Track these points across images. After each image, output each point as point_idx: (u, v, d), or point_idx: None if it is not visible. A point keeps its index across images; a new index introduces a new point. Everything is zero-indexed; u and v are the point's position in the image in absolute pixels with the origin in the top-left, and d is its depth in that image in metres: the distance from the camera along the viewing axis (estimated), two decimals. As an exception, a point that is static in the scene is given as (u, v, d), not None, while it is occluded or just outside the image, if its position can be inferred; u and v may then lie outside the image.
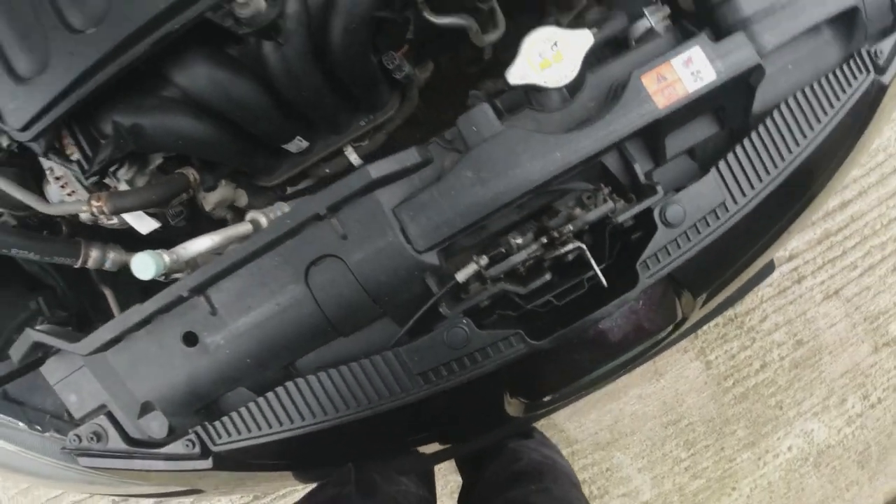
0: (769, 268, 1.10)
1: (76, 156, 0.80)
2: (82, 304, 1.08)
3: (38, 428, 0.93)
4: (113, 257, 0.93)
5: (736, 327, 1.73)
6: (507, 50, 1.02)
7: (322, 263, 0.72)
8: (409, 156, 0.70)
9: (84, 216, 0.91)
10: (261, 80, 0.78)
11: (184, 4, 0.67)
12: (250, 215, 0.77)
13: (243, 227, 0.76)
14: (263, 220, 0.77)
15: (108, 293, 1.05)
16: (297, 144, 0.91)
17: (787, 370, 1.74)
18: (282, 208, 0.80)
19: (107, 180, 0.88)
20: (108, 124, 0.77)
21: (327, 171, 1.00)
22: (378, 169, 0.68)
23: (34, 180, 1.04)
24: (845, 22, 0.81)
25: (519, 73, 0.69)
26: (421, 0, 0.80)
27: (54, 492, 2.29)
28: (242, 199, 0.97)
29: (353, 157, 0.98)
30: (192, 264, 0.76)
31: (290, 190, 1.02)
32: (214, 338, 0.76)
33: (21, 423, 0.93)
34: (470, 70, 1.12)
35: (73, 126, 0.77)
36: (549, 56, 0.69)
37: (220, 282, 0.73)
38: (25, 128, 0.74)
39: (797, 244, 1.73)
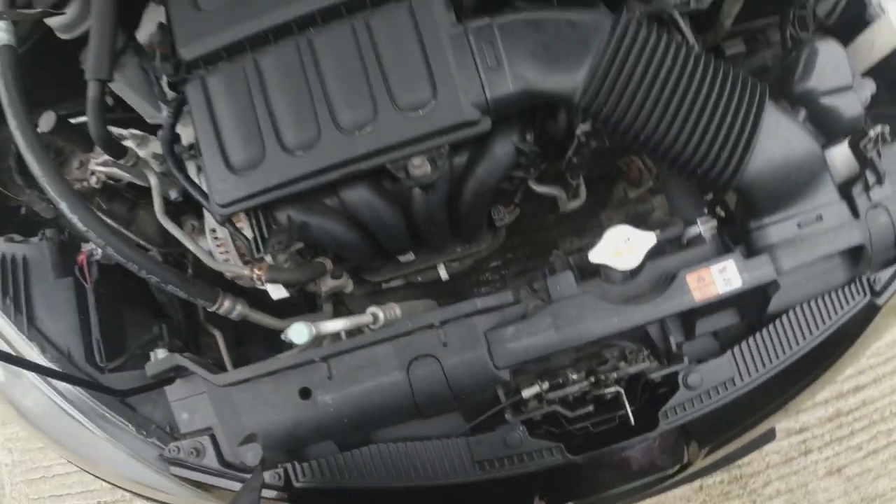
0: (769, 436, 1.39)
1: (248, 232, 1.15)
2: (191, 336, 1.40)
3: (144, 433, 1.22)
4: (239, 309, 1.27)
5: (739, 487, 1.98)
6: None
7: (423, 360, 1.04)
8: (505, 296, 1.04)
9: (230, 274, 1.25)
10: (403, 210, 1.13)
11: (375, 154, 1.03)
12: (371, 309, 1.10)
13: (366, 318, 1.09)
14: (381, 315, 1.10)
15: (218, 334, 1.37)
16: (407, 257, 1.25)
17: (781, 537, 1.98)
18: (394, 309, 1.13)
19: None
20: (284, 217, 1.11)
21: (419, 278, 1.34)
22: (483, 302, 1.02)
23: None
24: (852, 254, 1.14)
25: (599, 255, 1.03)
26: (530, 178, 1.17)
27: (59, 490, 2.53)
28: (350, 287, 1.32)
29: (443, 273, 1.33)
30: (324, 336, 1.08)
31: (384, 286, 1.36)
32: (325, 397, 1.07)
33: (131, 426, 1.22)
34: (546, 218, 1.48)
35: (258, 212, 1.12)
36: (622, 247, 1.04)
37: (343, 356, 1.05)
38: (226, 206, 1.09)
39: (808, 418, 2.02)
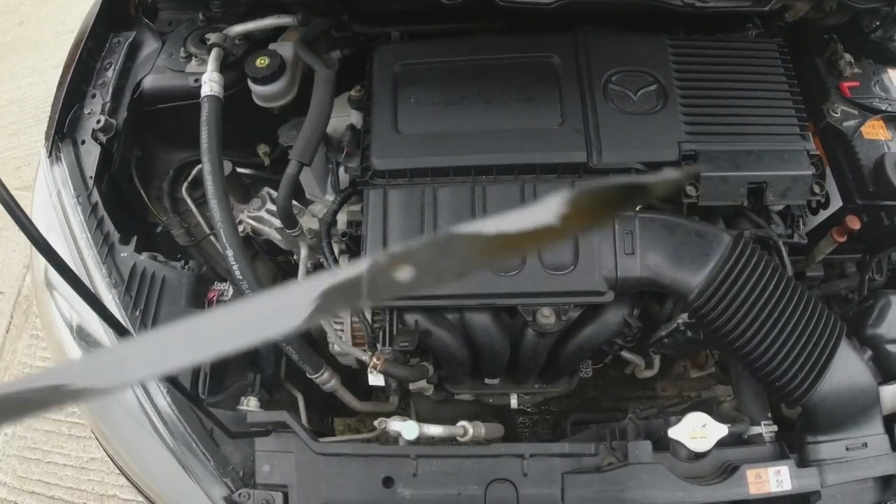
0: None
1: (377, 325, 1.28)
2: (273, 390, 1.50)
3: (221, 470, 1.30)
4: (333, 383, 1.38)
5: None
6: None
7: (502, 484, 1.14)
8: (588, 447, 1.15)
9: (338, 349, 1.37)
10: (512, 344, 1.27)
11: (514, 296, 1.17)
12: (462, 423, 1.22)
13: (457, 430, 1.20)
14: (471, 430, 1.21)
15: (299, 396, 1.47)
16: (494, 381, 1.38)
17: None
18: (480, 427, 1.24)
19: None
20: (412, 320, 1.25)
21: (491, 401, 1.46)
22: (568, 447, 1.13)
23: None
24: (885, 480, 1.26)
25: (678, 433, 1.16)
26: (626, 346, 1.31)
27: (49, 478, 2.50)
28: (430, 389, 1.43)
29: (514, 402, 1.45)
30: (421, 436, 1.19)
31: (457, 396, 1.48)
32: (405, 491, 1.16)
33: (212, 461, 1.30)
34: (612, 375, 1.61)
35: (394, 310, 1.25)
36: (698, 431, 1.16)
37: (433, 459, 1.16)
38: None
39: None
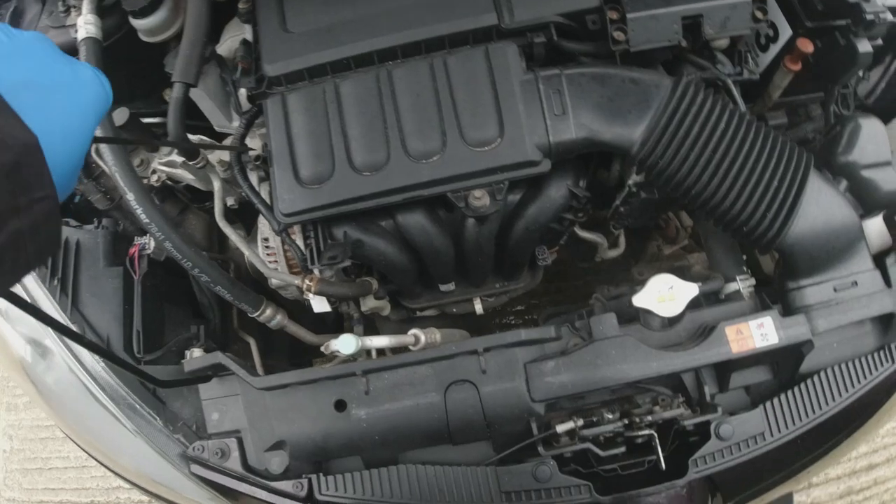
0: (787, 498, 1.36)
1: (301, 243, 1.16)
2: (224, 341, 1.40)
3: (171, 427, 1.20)
4: (279, 319, 1.27)
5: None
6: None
7: (461, 385, 1.04)
8: (548, 331, 1.04)
9: (275, 282, 1.26)
10: (454, 239, 1.15)
11: (438, 183, 1.04)
12: (413, 331, 1.10)
13: (408, 339, 1.09)
14: (423, 337, 1.10)
15: (252, 342, 1.37)
16: (448, 286, 1.26)
17: None
18: (434, 333, 1.13)
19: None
20: (340, 232, 1.13)
21: (454, 310, 1.34)
22: (527, 334, 1.02)
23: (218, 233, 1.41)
24: (883, 321, 1.15)
25: (643, 300, 1.04)
26: (578, 221, 1.18)
27: (53, 484, 2.46)
28: (387, 309, 1.32)
29: (478, 307, 1.33)
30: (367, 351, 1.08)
31: (419, 313, 1.37)
32: (359, 411, 1.06)
33: (159, 419, 1.20)
34: (581, 266, 1.49)
35: (317, 225, 1.13)
36: (666, 294, 1.05)
37: (383, 372, 1.05)
38: (289, 215, 1.10)
39: (819, 494, 1.97)
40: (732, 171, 1.03)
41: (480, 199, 1.03)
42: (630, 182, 1.13)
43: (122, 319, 1.23)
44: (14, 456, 2.55)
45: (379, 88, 1.08)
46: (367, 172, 1.06)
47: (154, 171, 1.37)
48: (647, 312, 1.06)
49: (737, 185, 1.03)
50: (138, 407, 1.20)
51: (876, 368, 1.12)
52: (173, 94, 1.10)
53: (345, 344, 0.98)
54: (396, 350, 1.14)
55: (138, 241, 1.29)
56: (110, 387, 1.20)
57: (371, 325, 1.50)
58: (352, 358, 1.09)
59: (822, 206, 1.08)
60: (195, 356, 1.22)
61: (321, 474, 1.07)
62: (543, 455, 1.01)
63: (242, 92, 1.21)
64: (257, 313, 1.23)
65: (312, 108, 1.09)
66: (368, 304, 1.27)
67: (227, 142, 1.28)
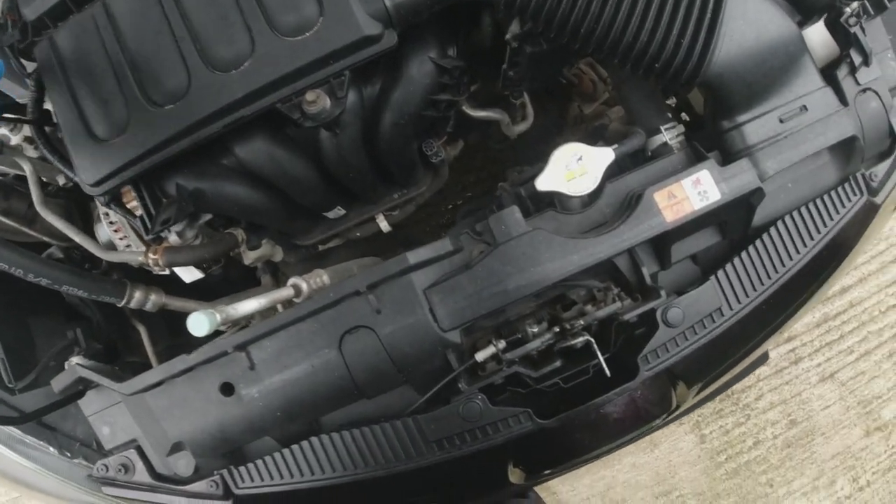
0: (762, 359, 1.21)
1: (139, 211, 0.92)
2: (113, 337, 1.19)
3: (68, 454, 1.03)
4: (154, 300, 1.05)
5: (732, 404, 1.84)
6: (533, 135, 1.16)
7: (356, 333, 0.84)
8: (443, 245, 0.83)
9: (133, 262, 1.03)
10: (313, 159, 0.91)
11: (257, 95, 0.80)
12: (292, 280, 0.89)
13: (286, 292, 0.88)
14: (304, 286, 0.89)
15: (142, 330, 1.16)
16: (336, 212, 1.03)
17: (779, 449, 1.84)
18: (320, 276, 0.92)
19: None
20: (172, 186, 0.89)
21: (358, 234, 1.12)
22: (415, 256, 0.81)
23: (79, 216, 1.16)
24: (844, 148, 0.94)
25: (547, 182, 0.82)
26: (462, 99, 0.93)
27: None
28: (278, 254, 1.10)
29: (384, 225, 1.11)
30: (239, 320, 0.88)
31: (321, 248, 1.15)
32: (250, 390, 0.87)
33: (52, 448, 1.03)
34: (496, 147, 1.25)
35: (140, 184, 0.89)
36: (575, 168, 0.82)
37: (262, 340, 0.85)
38: (97, 184, 0.86)
39: (796, 326, 1.85)
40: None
41: (316, 101, 0.78)
42: (509, 37, 0.87)
43: (-20, 351, 1.02)
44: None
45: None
46: (170, 105, 0.81)
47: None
48: (559, 194, 0.84)
49: (637, 9, 0.78)
50: (28, 441, 1.03)
51: (843, 205, 0.93)
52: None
53: (196, 325, 0.77)
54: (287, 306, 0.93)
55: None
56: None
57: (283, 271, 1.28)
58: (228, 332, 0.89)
59: (749, 19, 0.84)
60: (68, 368, 1.02)
61: (233, 467, 0.90)
62: (467, 391, 0.83)
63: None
64: (123, 301, 1.02)
65: (84, 42, 0.83)
66: (249, 256, 1.04)
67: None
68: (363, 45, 0.78)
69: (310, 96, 0.78)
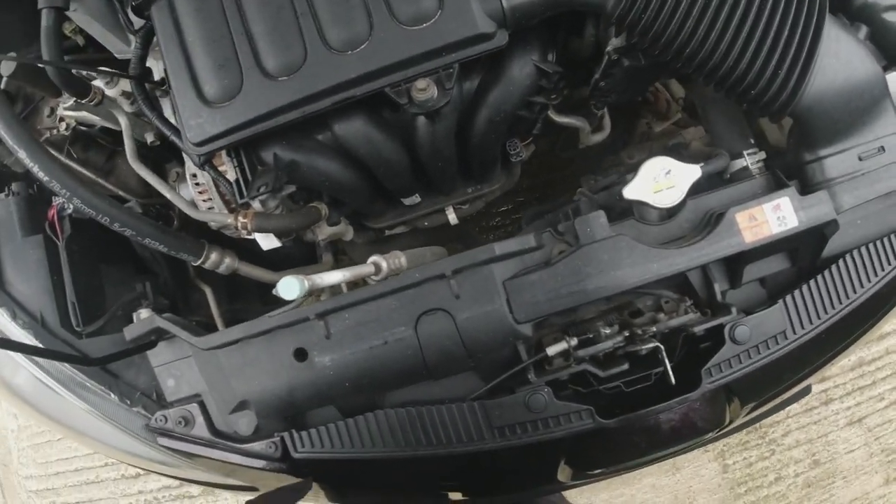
0: (806, 390, 1.23)
1: (231, 175, 0.97)
2: (180, 293, 1.24)
3: (128, 402, 1.07)
4: (228, 263, 1.09)
5: (758, 437, 1.85)
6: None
7: (433, 315, 0.87)
8: (528, 240, 0.86)
9: (215, 224, 1.07)
10: (406, 144, 0.95)
11: (371, 77, 0.84)
12: (372, 259, 0.93)
13: (367, 269, 0.92)
14: (384, 265, 0.92)
15: (208, 290, 1.20)
16: (412, 199, 1.07)
17: (799, 487, 1.85)
18: (399, 258, 0.96)
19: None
20: (270, 155, 0.93)
21: (426, 224, 1.16)
22: (501, 247, 0.84)
23: (158, 172, 1.21)
24: (916, 190, 0.97)
25: (635, 191, 0.85)
26: (551, 104, 0.97)
27: (66, 453, 2.42)
28: (349, 233, 1.14)
29: (452, 217, 1.15)
30: (322, 290, 0.92)
31: (388, 233, 1.19)
32: (322, 358, 0.90)
33: (113, 395, 1.07)
34: (564, 155, 1.29)
35: (240, 150, 0.93)
36: (662, 181, 0.86)
37: (342, 311, 0.89)
38: (201, 144, 0.91)
39: (831, 368, 1.86)
40: (734, 21, 0.81)
41: (425, 90, 0.82)
42: (609, 48, 0.91)
43: (54, 292, 1.07)
44: (22, 433, 2.49)
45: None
46: (284, 77, 0.85)
47: (62, 119, 1.15)
48: (642, 204, 0.87)
49: (740, 38, 0.82)
50: (89, 385, 1.07)
51: (909, 244, 0.95)
52: (42, 23, 0.89)
53: (286, 289, 0.81)
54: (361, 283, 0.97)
55: (56, 201, 1.10)
56: (58, 370, 1.07)
57: (345, 252, 1.33)
58: (304, 301, 0.93)
59: (841, 58, 0.87)
60: (143, 318, 1.06)
61: (294, 431, 0.94)
62: (535, 382, 0.87)
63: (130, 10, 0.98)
64: (200, 261, 1.06)
65: (205, 6, 0.87)
66: (324, 231, 1.08)
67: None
68: (477, 41, 0.82)
69: (420, 84, 0.82)
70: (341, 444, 0.92)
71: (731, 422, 0.98)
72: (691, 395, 0.87)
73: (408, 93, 0.84)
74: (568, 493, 1.79)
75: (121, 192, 1.26)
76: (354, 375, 0.90)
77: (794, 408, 1.85)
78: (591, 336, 0.87)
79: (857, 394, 1.88)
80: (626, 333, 0.87)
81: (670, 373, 0.85)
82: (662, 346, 0.84)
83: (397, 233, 1.21)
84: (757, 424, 1.83)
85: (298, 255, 1.34)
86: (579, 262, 0.84)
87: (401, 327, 0.88)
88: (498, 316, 0.86)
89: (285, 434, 0.94)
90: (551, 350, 0.86)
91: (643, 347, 0.86)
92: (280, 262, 1.24)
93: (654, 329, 0.85)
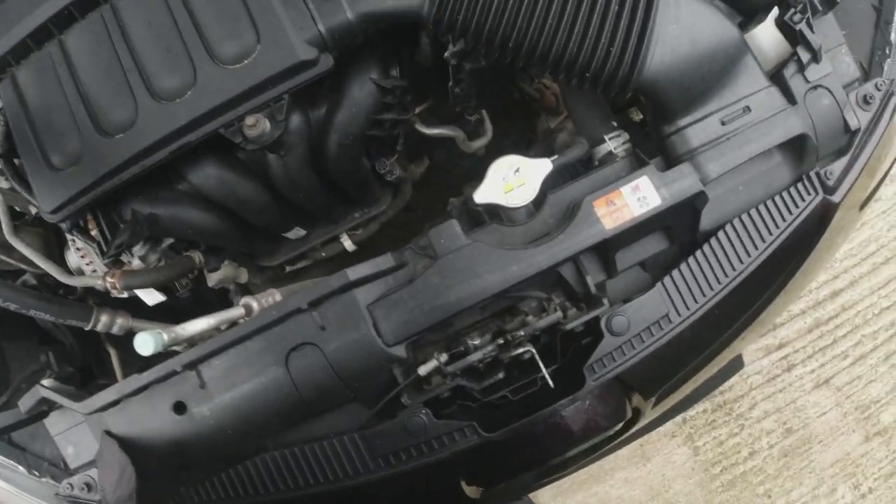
0: (736, 365, 1.18)
1: (98, 237, 0.94)
2: (87, 360, 1.21)
3: (36, 473, 1.04)
4: (120, 323, 1.07)
5: (725, 414, 1.79)
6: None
7: (301, 350, 0.84)
8: (385, 260, 0.83)
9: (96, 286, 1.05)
10: (263, 181, 0.92)
11: (200, 122, 0.81)
12: (243, 300, 0.90)
13: (236, 311, 0.89)
14: (255, 305, 0.89)
15: (113, 353, 1.18)
16: (296, 233, 1.04)
17: (776, 458, 1.79)
18: (273, 295, 0.93)
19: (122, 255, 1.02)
20: (128, 211, 0.91)
21: (323, 254, 1.13)
22: (355, 272, 0.81)
23: (57, 243, 1.19)
24: (795, 147, 0.92)
25: (484, 194, 0.82)
26: (412, 116, 0.94)
27: None
28: (243, 276, 1.11)
29: (348, 244, 1.12)
30: (189, 340, 0.89)
31: (288, 269, 1.16)
32: (201, 408, 0.87)
33: (21, 467, 1.04)
34: (463, 163, 1.25)
35: (96, 210, 0.91)
36: (512, 180, 0.82)
37: (211, 359, 0.85)
38: (55, 211, 0.88)
39: (787, 332, 1.81)
40: (554, 6, 0.78)
41: (255, 125, 0.80)
42: (447, 55, 0.88)
43: (-46, 374, 1.05)
44: None
45: (106, 29, 0.84)
46: (120, 134, 0.83)
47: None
48: (497, 207, 0.84)
49: (564, 21, 0.78)
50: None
51: (796, 205, 0.91)
52: None
53: (142, 345, 0.78)
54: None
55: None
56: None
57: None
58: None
59: (683, 23, 0.83)
60: (37, 386, 1.03)
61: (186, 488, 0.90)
62: (410, 405, 0.83)
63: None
64: (90, 325, 1.04)
65: (43, 77, 0.87)
66: (212, 278, 1.06)
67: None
68: (299, 69, 0.79)
69: (249, 121, 0.79)
70: (232, 493, 0.88)
71: (637, 415, 0.94)
72: (578, 395, 0.82)
73: (241, 131, 0.81)
74: (541, 500, 1.74)
75: (24, 267, 1.24)
76: (235, 422, 0.87)
77: (756, 378, 1.79)
78: (462, 349, 0.83)
79: (820, 355, 1.82)
80: (500, 341, 0.83)
81: (546, 375, 0.81)
82: (534, 350, 0.80)
83: (301, 267, 1.18)
84: (721, 402, 1.77)
85: (213, 302, 1.31)
86: (437, 275, 0.81)
87: (272, 367, 0.85)
88: (366, 342, 0.82)
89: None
90: (422, 369, 0.82)
91: (519, 353, 0.82)
92: (194, 311, 1.21)
93: (522, 333, 0.81)
